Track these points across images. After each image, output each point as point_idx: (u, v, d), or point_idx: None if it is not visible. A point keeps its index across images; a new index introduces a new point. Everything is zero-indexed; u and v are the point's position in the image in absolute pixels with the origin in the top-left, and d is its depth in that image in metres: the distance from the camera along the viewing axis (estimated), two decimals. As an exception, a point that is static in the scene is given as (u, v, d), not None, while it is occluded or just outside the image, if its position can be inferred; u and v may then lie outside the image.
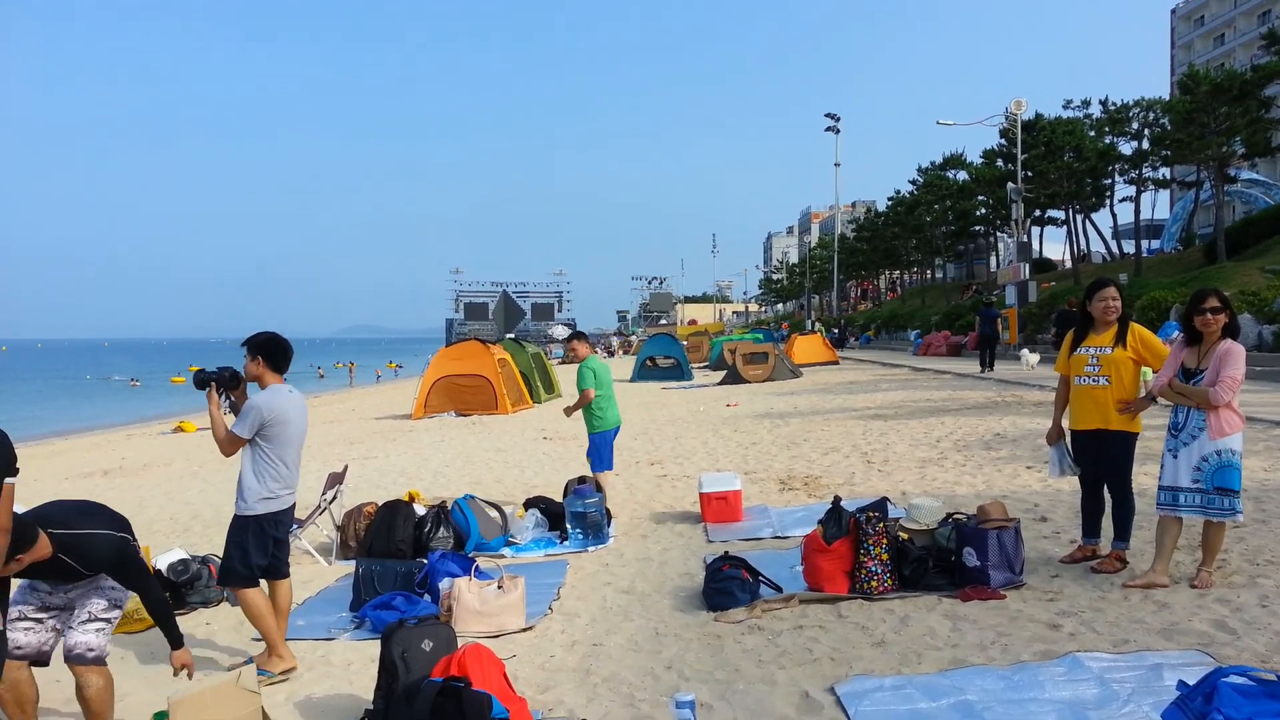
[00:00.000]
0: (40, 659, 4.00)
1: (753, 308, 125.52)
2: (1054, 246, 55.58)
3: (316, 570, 7.21)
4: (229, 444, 4.91)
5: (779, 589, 5.74)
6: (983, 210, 47.01)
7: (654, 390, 25.12)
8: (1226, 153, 30.65)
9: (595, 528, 7.52)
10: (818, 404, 18.17)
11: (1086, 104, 38.41)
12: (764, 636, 5.04)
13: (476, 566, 6.01)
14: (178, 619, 5.64)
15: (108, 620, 4.03)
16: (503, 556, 7.19)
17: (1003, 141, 40.68)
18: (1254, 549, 6.02)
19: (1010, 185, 33.97)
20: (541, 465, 11.98)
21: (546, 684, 4.60)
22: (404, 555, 6.97)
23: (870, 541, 5.62)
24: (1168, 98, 37.15)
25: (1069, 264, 43.60)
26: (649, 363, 30.36)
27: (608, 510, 7.80)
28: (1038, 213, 43.15)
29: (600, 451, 8.50)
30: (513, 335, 48.98)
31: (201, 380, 5.07)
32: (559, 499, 8.21)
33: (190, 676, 4.12)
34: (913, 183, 54.93)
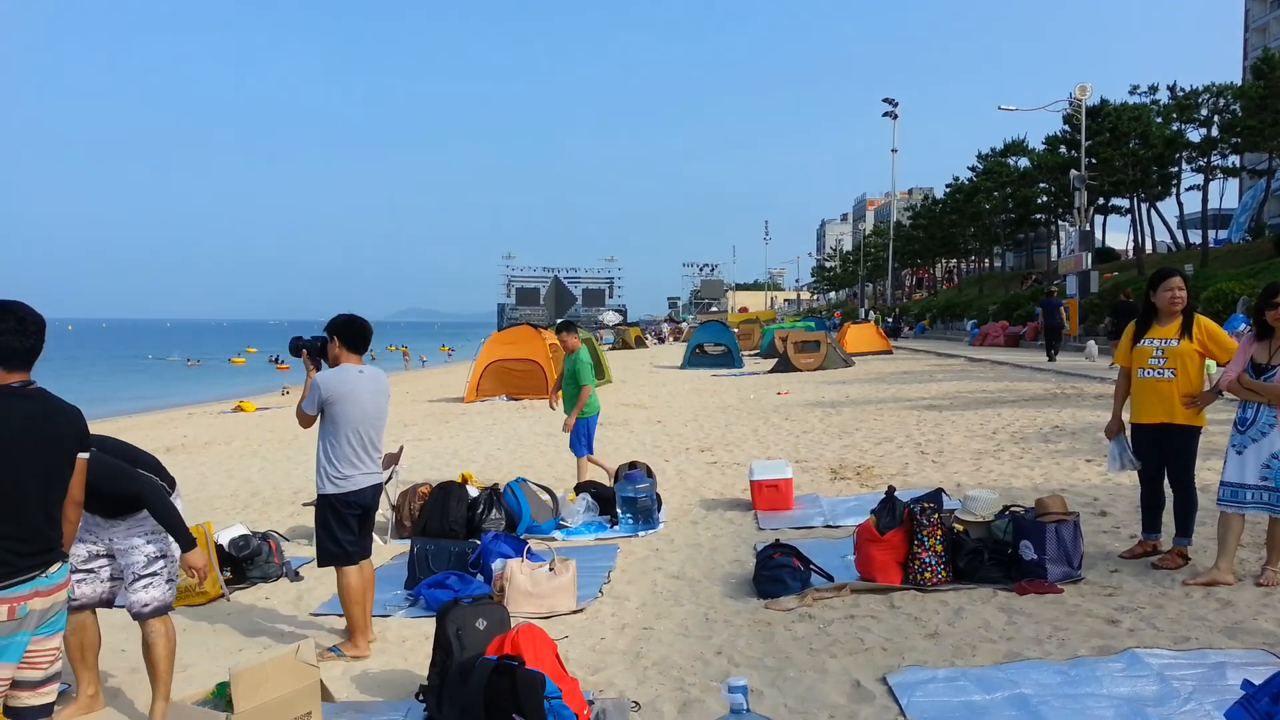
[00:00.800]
0: (103, 604, 4.29)
1: (805, 295, 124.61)
2: (1117, 236, 54.33)
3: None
4: (300, 417, 5.05)
5: (830, 578, 5.71)
6: (1044, 198, 46.09)
7: (704, 377, 25.09)
8: (1301, 140, 29.66)
9: (645, 513, 7.55)
10: (870, 393, 18.00)
11: (1154, 89, 37.40)
12: (815, 625, 5.03)
13: (528, 548, 6.06)
14: (239, 592, 5.79)
15: (154, 573, 4.19)
16: (554, 539, 7.25)
17: (1066, 128, 39.80)
18: (1324, 548, 5.84)
19: (1073, 173, 33.20)
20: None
21: (597, 665, 4.63)
22: (457, 535, 7.05)
23: (924, 532, 5.56)
24: (1240, 83, 36.00)
25: (1132, 254, 42.57)
26: (699, 350, 30.30)
27: (658, 495, 7.82)
28: (1101, 201, 42.15)
29: (587, 436, 8.83)
30: (563, 320, 49.28)
31: (295, 347, 5.23)
32: (609, 483, 8.26)
33: (201, 579, 4.35)
34: (972, 169, 54.03)
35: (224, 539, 6.49)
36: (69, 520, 3.24)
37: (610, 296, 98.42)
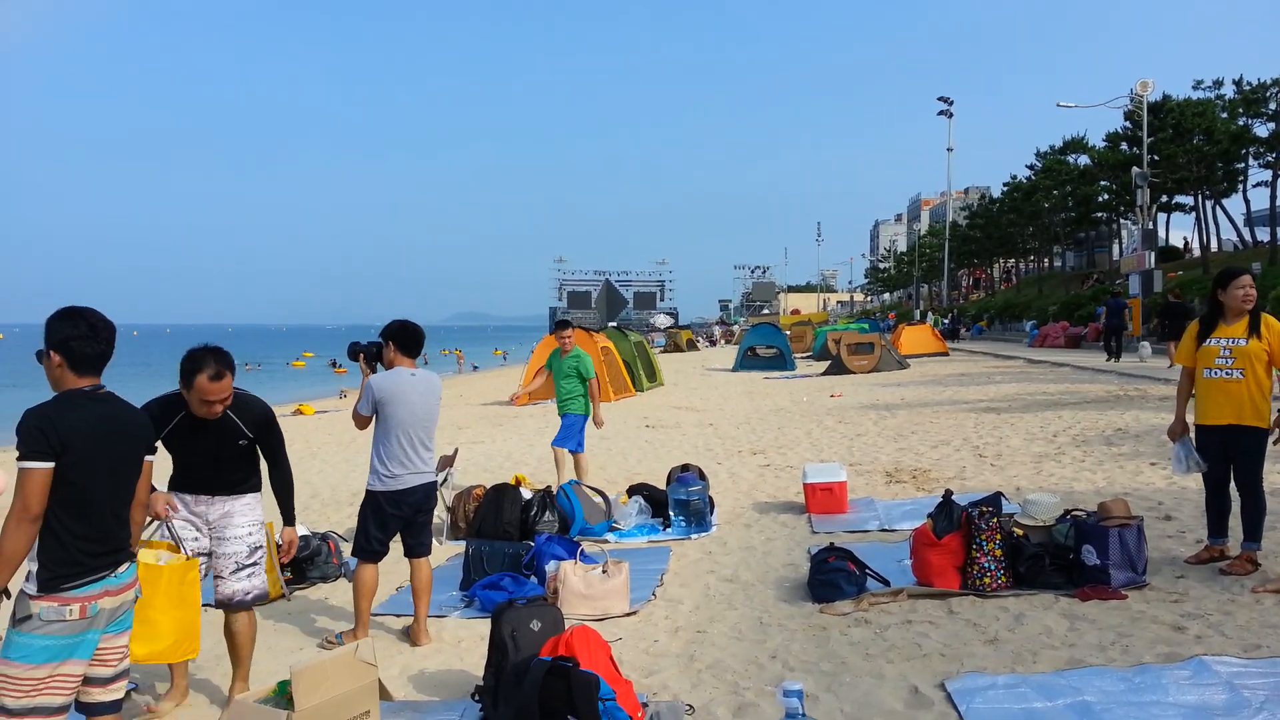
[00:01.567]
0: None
1: (858, 297, 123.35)
2: (1181, 234, 52.89)
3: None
4: (355, 419, 5.25)
5: (886, 582, 5.65)
6: (1105, 196, 45.06)
7: (756, 380, 24.97)
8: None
9: (698, 515, 7.53)
10: (926, 396, 17.76)
11: (1219, 84, 36.36)
12: (871, 630, 4.97)
13: (582, 550, 6.09)
14: (299, 592, 5.91)
15: (255, 563, 4.45)
16: (606, 541, 7.27)
17: (1127, 124, 38.88)
18: (1405, 556, 5.63)
19: (1135, 170, 32.42)
20: (644, 453, 12.05)
21: (651, 668, 4.64)
22: (511, 537, 7.11)
23: (983, 537, 5.47)
24: (1310, 75, 34.84)
25: (1197, 252, 41.43)
26: (751, 352, 30.17)
27: (710, 498, 7.81)
28: (1164, 198, 41.08)
29: (580, 433, 9.12)
30: (615, 323, 49.35)
31: (353, 352, 5.44)
32: (661, 486, 8.26)
33: (291, 553, 4.57)
34: (1030, 168, 53.03)
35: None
36: (135, 522, 3.34)
37: (661, 299, 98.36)
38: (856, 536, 7.00)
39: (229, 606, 4.41)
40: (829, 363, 26.76)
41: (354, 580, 5.16)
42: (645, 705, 3.99)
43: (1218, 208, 41.17)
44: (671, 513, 7.62)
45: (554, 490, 7.74)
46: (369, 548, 5.14)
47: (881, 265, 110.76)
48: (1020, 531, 5.70)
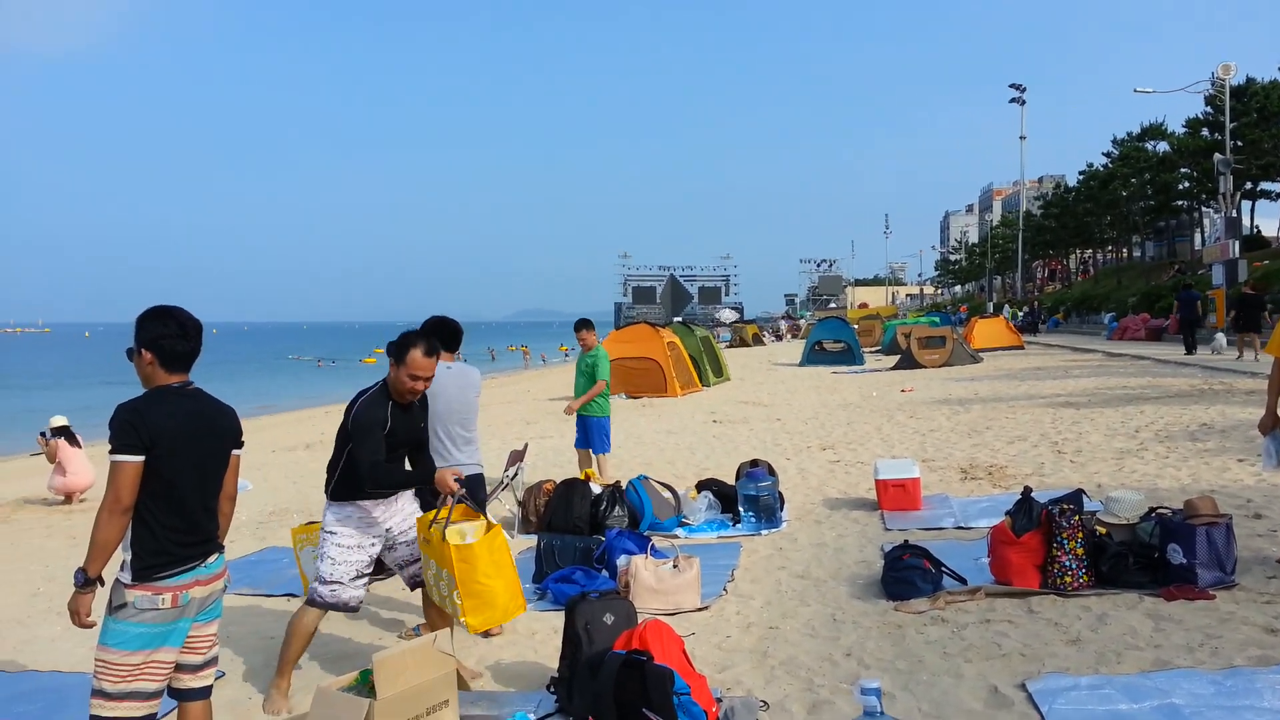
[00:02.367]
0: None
1: (928, 290, 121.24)
2: (1268, 222, 50.89)
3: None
4: None
5: (963, 580, 5.55)
6: (1186, 184, 43.55)
7: (824, 374, 24.73)
8: None
9: (768, 511, 7.49)
10: (1001, 390, 17.38)
11: (1309, 64, 34.86)
12: (948, 628, 4.89)
13: (652, 545, 6.10)
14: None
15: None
16: (676, 536, 7.27)
17: (1209, 109, 37.56)
18: None
19: (1217, 156, 31.27)
20: (712, 448, 12.03)
21: (724, 663, 4.63)
22: (581, 531, 7.15)
23: (1064, 535, 5.34)
24: None
25: (1286, 240, 39.82)
26: (818, 346, 29.89)
27: (780, 494, 7.76)
28: (1249, 185, 39.55)
29: (606, 435, 9.27)
30: (680, 318, 49.32)
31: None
32: (730, 481, 8.23)
33: (457, 489, 4.38)
34: (1107, 155, 51.52)
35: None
36: (224, 514, 3.44)
37: (726, 294, 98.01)
38: (931, 534, 6.89)
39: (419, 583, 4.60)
40: (899, 357, 26.36)
41: None
42: (719, 700, 3.98)
43: (1308, 194, 39.53)
44: (741, 508, 7.59)
45: (623, 485, 7.77)
46: None
47: (952, 257, 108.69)
48: (1103, 530, 5.54)
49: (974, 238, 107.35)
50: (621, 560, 5.91)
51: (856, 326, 37.00)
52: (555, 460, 11.48)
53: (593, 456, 9.32)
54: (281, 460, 13.66)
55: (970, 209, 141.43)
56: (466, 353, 5.56)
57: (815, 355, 29.47)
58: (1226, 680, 3.97)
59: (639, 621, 4.15)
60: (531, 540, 6.99)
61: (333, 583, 4.43)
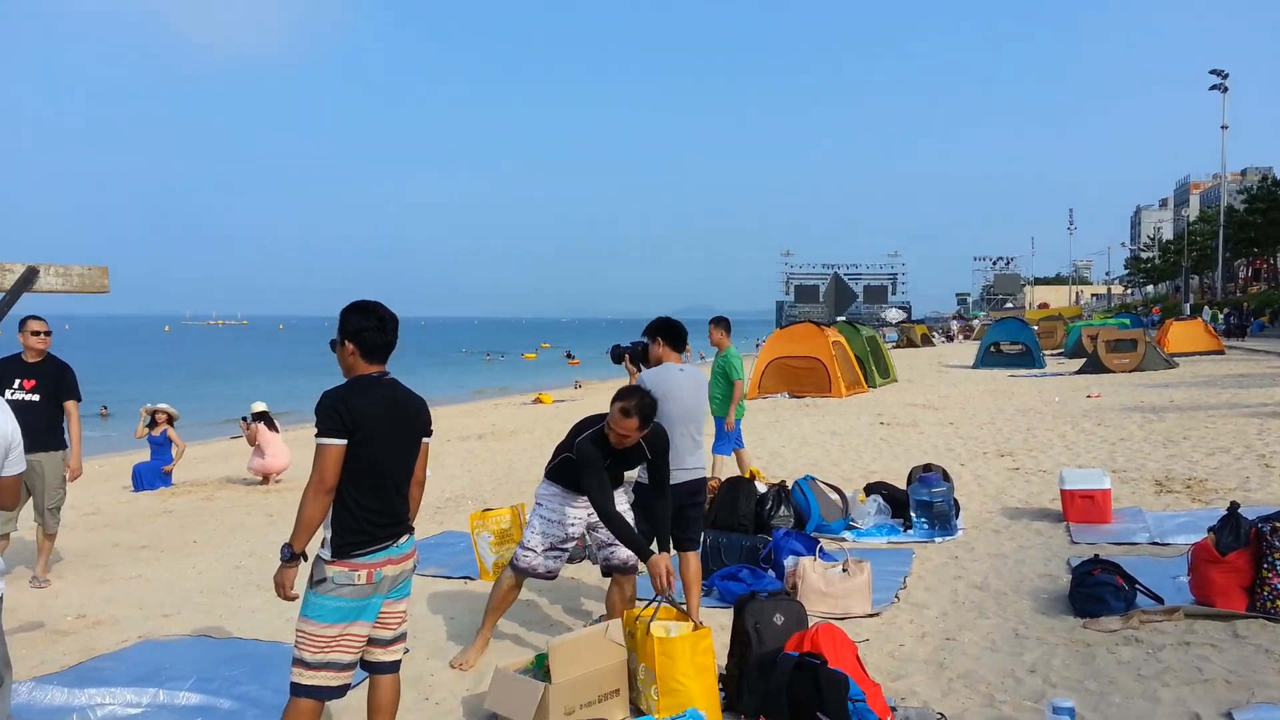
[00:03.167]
0: (548, 576, 4.90)
1: (1116, 290, 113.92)
2: None
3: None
4: None
5: (1159, 600, 5.17)
6: None
7: (1000, 378, 23.63)
8: None
9: (942, 518, 7.22)
10: (1199, 398, 16.12)
11: None
12: (1143, 649, 4.57)
13: (821, 547, 6.00)
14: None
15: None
16: (844, 540, 7.11)
17: None
18: None
19: None
20: (879, 451, 11.71)
21: (897, 673, 4.49)
22: (745, 530, 7.11)
23: (1276, 555, 4.88)
24: None
25: None
26: (994, 348, 28.59)
27: (955, 501, 7.46)
28: None
29: (728, 438, 9.17)
30: (844, 318, 48.32)
31: (617, 355, 5.52)
32: (901, 485, 7.99)
33: (668, 584, 4.44)
34: (1324, 144, 46.89)
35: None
36: (414, 498, 3.61)
37: (893, 293, 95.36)
38: (1123, 549, 6.46)
39: (627, 570, 4.83)
40: (1084, 360, 24.91)
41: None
42: (894, 709, 3.86)
43: None
44: (913, 514, 7.34)
45: (789, 485, 7.67)
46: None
47: (1144, 255, 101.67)
48: (1324, 552, 5.04)
49: (1168, 234, 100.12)
50: (789, 561, 5.84)
51: (1036, 328, 35.17)
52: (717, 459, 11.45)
53: (738, 456, 9.17)
54: (455, 450, 14.24)
55: (1164, 203, 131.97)
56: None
57: (990, 357, 28.21)
58: None
59: (810, 624, 4.08)
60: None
61: (529, 549, 4.80)
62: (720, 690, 4.13)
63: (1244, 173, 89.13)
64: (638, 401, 4.39)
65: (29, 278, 3.27)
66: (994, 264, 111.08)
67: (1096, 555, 5.54)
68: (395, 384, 3.48)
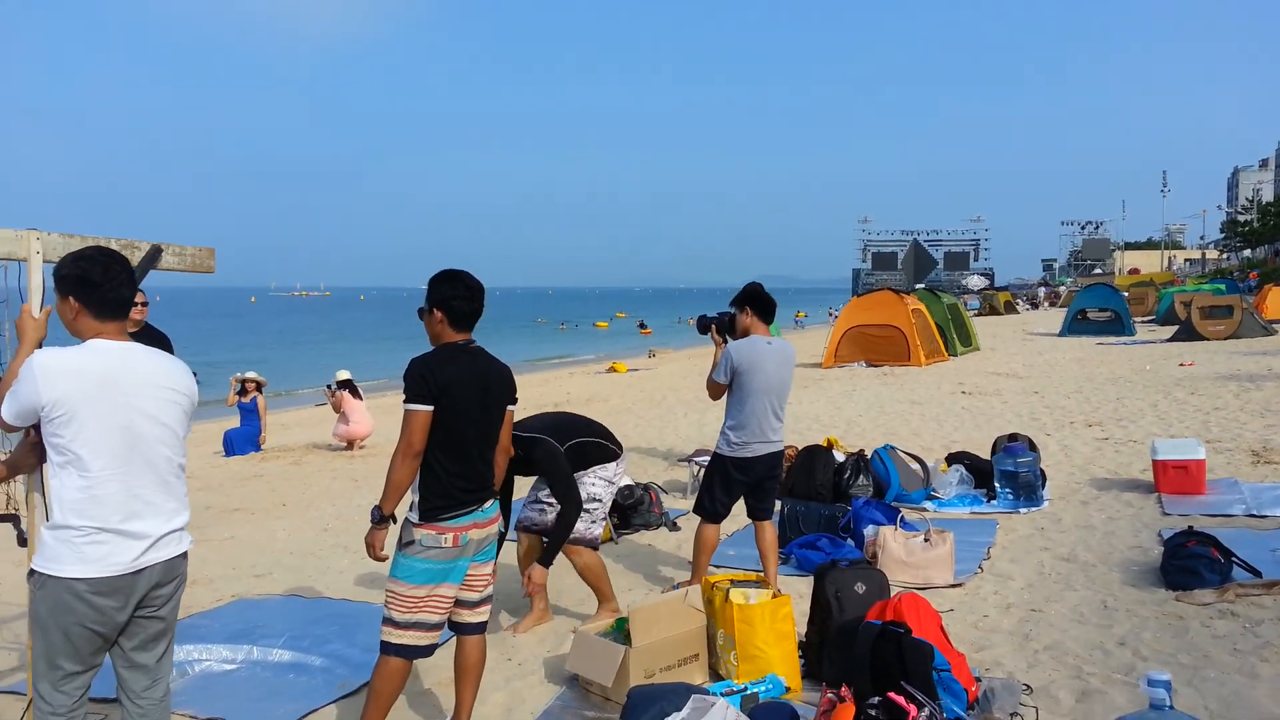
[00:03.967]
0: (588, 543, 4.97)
1: (1211, 254, 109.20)
2: None
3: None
4: (711, 388, 5.18)
5: (1258, 573, 4.99)
6: None
7: (1088, 345, 22.94)
8: None
9: (1027, 489, 7.06)
10: (1300, 366, 15.44)
11: None
12: (1239, 624, 4.43)
13: (902, 517, 5.93)
14: (624, 536, 6.18)
15: (586, 510, 4.85)
16: (925, 510, 7.02)
17: None
18: None
19: None
20: (961, 420, 11.49)
21: (981, 644, 4.43)
22: (823, 499, 7.06)
23: (1388, 530, 4.67)
24: None
25: None
26: (1081, 315, 27.73)
27: (1041, 471, 7.29)
28: None
29: None
30: (923, 285, 47.33)
31: (704, 325, 5.47)
32: (983, 455, 7.84)
33: (533, 595, 4.85)
34: None
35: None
36: (498, 465, 3.67)
37: (975, 259, 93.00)
38: (1218, 520, 6.25)
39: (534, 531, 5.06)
40: (1176, 328, 24.01)
41: (696, 537, 5.18)
42: (978, 680, 3.81)
43: None
44: (997, 484, 7.20)
45: (867, 454, 7.58)
46: (712, 509, 5.13)
47: (1242, 218, 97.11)
48: None
49: (1268, 195, 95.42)
50: (869, 530, 5.79)
51: (1126, 294, 33.98)
52: (794, 427, 11.35)
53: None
54: (533, 417, 14.41)
55: (1264, 164, 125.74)
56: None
57: (1078, 324, 27.37)
58: None
59: (893, 594, 4.05)
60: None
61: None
62: (799, 657, 4.13)
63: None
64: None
65: (154, 256, 3.41)
66: (1082, 228, 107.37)
67: (1190, 527, 5.36)
68: (481, 352, 3.53)
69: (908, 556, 5.44)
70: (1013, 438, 7.76)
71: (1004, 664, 4.16)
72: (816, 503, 6.71)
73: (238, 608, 5.46)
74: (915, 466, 7.64)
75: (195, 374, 3.11)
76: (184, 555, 2.92)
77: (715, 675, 4.14)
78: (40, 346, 2.98)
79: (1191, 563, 4.97)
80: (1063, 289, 66.67)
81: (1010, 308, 48.33)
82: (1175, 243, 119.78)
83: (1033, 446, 7.60)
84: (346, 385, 12.21)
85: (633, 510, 6.98)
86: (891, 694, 3.20)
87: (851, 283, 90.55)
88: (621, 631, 4.08)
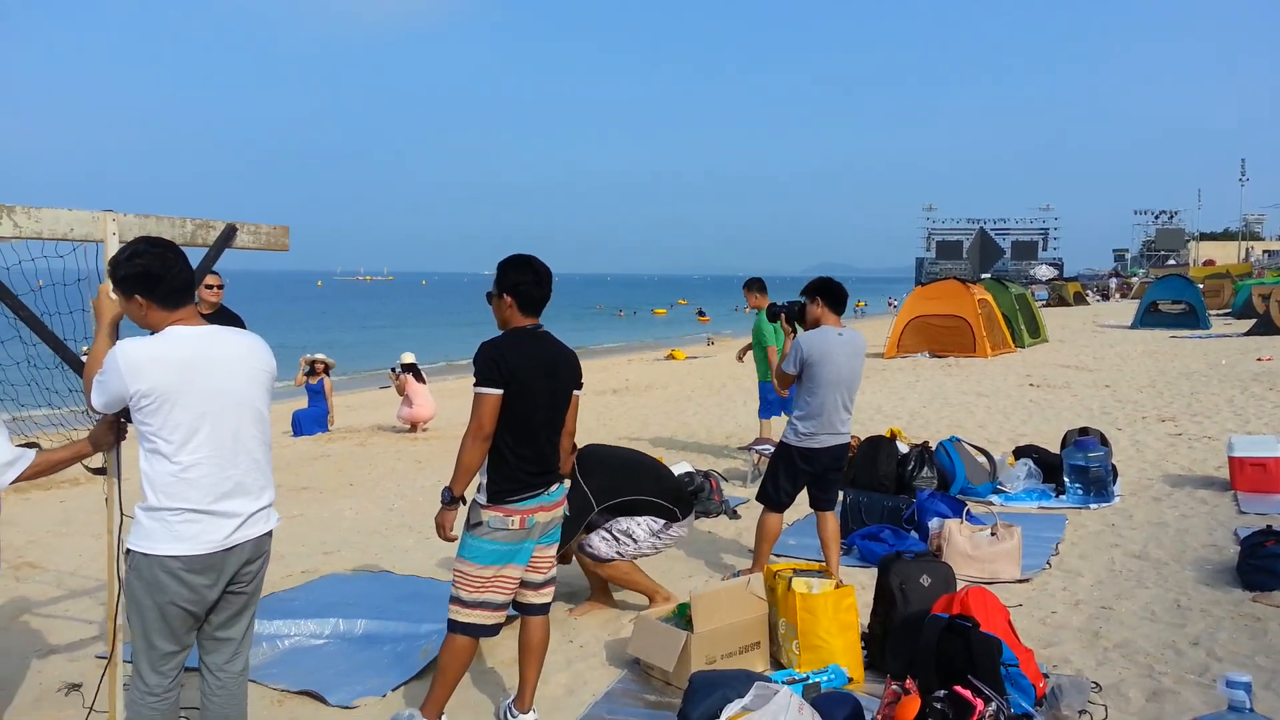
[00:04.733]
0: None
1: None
2: None
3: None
4: (779, 378, 5.16)
5: (1342, 576, 4.82)
6: None
7: (1160, 338, 22.30)
8: None
9: (1098, 484, 6.91)
10: (1388, 363, 14.83)
11: None
12: (1321, 628, 4.29)
13: (968, 510, 5.85)
14: (682, 528, 6.12)
15: (615, 538, 4.83)
16: (991, 503, 6.91)
17: None
18: None
19: None
20: (1029, 413, 11.27)
21: (1049, 640, 4.36)
22: (886, 490, 6.98)
23: None
24: None
25: None
26: (1154, 307, 26.96)
27: (1113, 466, 7.12)
28: None
29: (763, 401, 8.74)
30: (989, 274, 46.34)
31: (774, 314, 5.41)
32: (1052, 449, 7.68)
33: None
34: None
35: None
36: (564, 449, 3.69)
37: (1044, 249, 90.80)
38: (1298, 520, 6.06)
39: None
40: (1253, 321, 23.21)
41: (758, 525, 5.19)
42: (1046, 676, 3.75)
43: None
44: (1066, 479, 7.06)
45: (932, 446, 7.48)
46: (775, 498, 5.13)
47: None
48: None
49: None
50: (934, 523, 5.72)
51: (1201, 286, 32.93)
52: (856, 417, 11.23)
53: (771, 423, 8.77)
54: (591, 404, 14.49)
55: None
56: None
57: (1150, 317, 26.61)
58: None
59: (959, 587, 4.00)
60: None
61: None
62: (862, 648, 4.11)
63: None
64: None
65: (229, 235, 3.48)
66: (1155, 218, 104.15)
67: (1269, 526, 5.19)
68: (548, 336, 3.56)
69: (973, 550, 5.36)
70: (1083, 432, 7.60)
71: (1072, 661, 4.09)
72: (879, 494, 6.65)
73: (327, 583, 5.54)
74: (981, 459, 7.52)
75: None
76: (270, 533, 2.99)
77: (776, 664, 4.14)
78: (117, 325, 3.05)
79: (1270, 563, 4.83)
80: (1135, 280, 64.80)
81: (1080, 299, 47.18)
82: (1253, 233, 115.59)
83: (1104, 441, 7.43)
84: (411, 369, 12.39)
85: (693, 497, 6.98)
86: (958, 687, 3.17)
87: (915, 272, 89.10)
88: (683, 617, 4.09)
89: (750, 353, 9.13)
